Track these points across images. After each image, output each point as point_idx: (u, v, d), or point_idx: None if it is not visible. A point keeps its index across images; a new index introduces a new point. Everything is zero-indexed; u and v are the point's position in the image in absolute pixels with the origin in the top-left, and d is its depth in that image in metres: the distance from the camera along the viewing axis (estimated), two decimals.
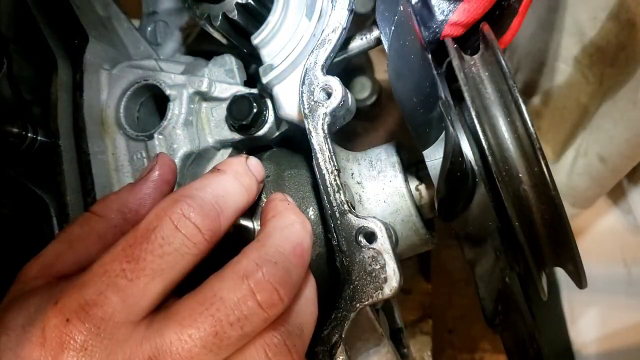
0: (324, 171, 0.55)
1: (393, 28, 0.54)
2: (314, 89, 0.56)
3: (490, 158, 0.50)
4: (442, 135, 0.56)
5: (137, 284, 0.43)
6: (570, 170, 1.05)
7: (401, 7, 0.54)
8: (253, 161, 0.56)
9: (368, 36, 0.63)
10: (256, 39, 0.64)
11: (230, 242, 0.49)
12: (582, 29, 0.90)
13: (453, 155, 0.50)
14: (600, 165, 0.97)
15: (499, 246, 0.58)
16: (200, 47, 0.79)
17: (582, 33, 0.90)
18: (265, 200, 0.59)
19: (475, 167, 0.53)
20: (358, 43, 0.63)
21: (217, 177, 0.51)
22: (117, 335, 0.43)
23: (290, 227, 0.50)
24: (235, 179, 0.52)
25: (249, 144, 0.68)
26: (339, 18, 0.57)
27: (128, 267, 0.44)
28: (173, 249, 0.44)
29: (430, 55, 0.55)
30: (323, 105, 0.56)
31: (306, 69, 0.57)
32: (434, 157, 0.56)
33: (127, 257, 0.44)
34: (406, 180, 0.63)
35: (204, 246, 0.46)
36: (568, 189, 1.07)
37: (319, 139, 0.55)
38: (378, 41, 0.62)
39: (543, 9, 0.97)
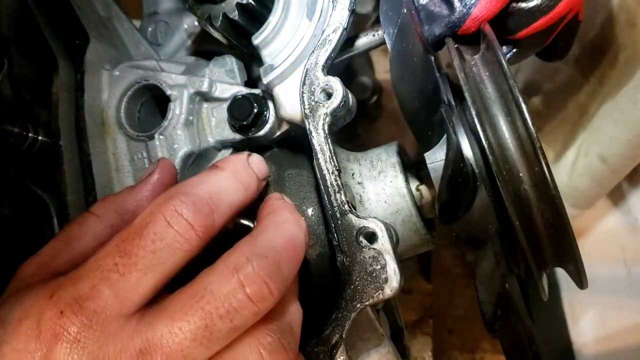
0: (325, 171, 0.55)
1: (396, 31, 0.54)
2: (314, 89, 0.56)
3: (490, 158, 0.50)
4: (444, 138, 0.56)
5: (129, 279, 0.44)
6: (570, 170, 1.05)
7: (404, 10, 0.54)
8: (255, 158, 0.56)
9: (380, 32, 0.63)
10: (257, 40, 0.64)
11: (231, 241, 0.49)
12: (582, 29, 0.90)
13: (455, 162, 0.50)
14: (601, 166, 0.97)
15: (499, 250, 0.58)
16: (201, 48, 0.79)
17: (582, 33, 0.90)
18: None
19: (477, 170, 0.53)
20: (369, 39, 0.64)
21: (214, 174, 0.51)
22: (109, 328, 0.44)
23: (283, 224, 0.50)
24: (233, 176, 0.52)
25: (249, 144, 0.68)
26: (340, 18, 0.57)
27: (120, 261, 0.45)
28: (165, 245, 0.45)
29: (433, 58, 0.55)
30: (324, 106, 0.56)
31: (307, 69, 0.57)
32: (435, 160, 0.56)
33: (120, 252, 0.45)
34: (407, 181, 0.63)
35: (196, 242, 0.46)
36: (569, 189, 1.07)
37: (319, 139, 0.56)
38: None
39: None
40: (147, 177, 0.56)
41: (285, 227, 0.50)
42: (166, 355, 0.42)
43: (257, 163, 0.55)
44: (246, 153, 0.56)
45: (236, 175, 0.52)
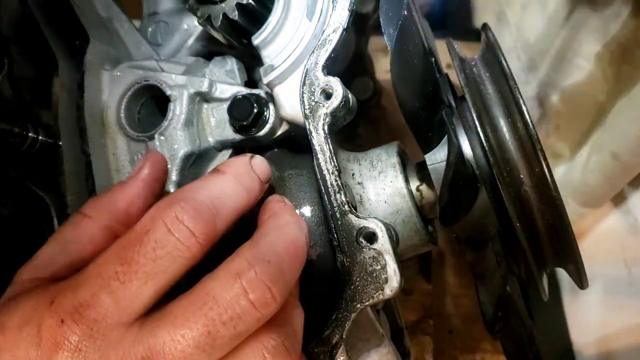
0: (325, 171, 0.55)
1: (397, 31, 0.54)
2: (314, 89, 0.56)
3: (491, 159, 0.50)
4: (444, 138, 0.56)
5: (129, 287, 0.44)
6: (583, 167, 1.05)
7: (405, 11, 0.54)
8: (258, 160, 0.55)
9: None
10: (257, 40, 0.64)
11: (232, 245, 0.49)
12: (605, 25, 0.89)
13: (456, 164, 0.50)
14: (613, 162, 0.97)
15: (499, 251, 0.58)
16: (201, 48, 0.79)
17: (605, 29, 0.90)
18: None
19: (477, 171, 0.53)
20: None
21: (215, 178, 0.51)
22: (110, 336, 0.43)
23: (284, 227, 0.50)
24: (235, 180, 0.51)
25: (250, 145, 0.68)
26: (340, 18, 0.57)
27: (121, 269, 0.44)
28: (166, 253, 0.44)
29: (433, 59, 0.55)
30: (324, 106, 0.56)
31: (307, 69, 0.57)
32: (435, 160, 0.56)
33: (120, 259, 0.44)
34: (407, 181, 0.63)
35: (197, 249, 0.45)
36: (580, 186, 1.06)
37: (319, 140, 0.55)
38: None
39: (559, 7, 0.97)
40: (137, 173, 0.55)
41: (286, 230, 0.49)
42: None
43: (259, 165, 0.55)
44: (249, 155, 0.55)
45: (238, 179, 0.51)
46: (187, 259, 0.45)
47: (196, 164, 0.67)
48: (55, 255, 0.51)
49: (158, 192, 0.57)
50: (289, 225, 0.50)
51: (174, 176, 0.63)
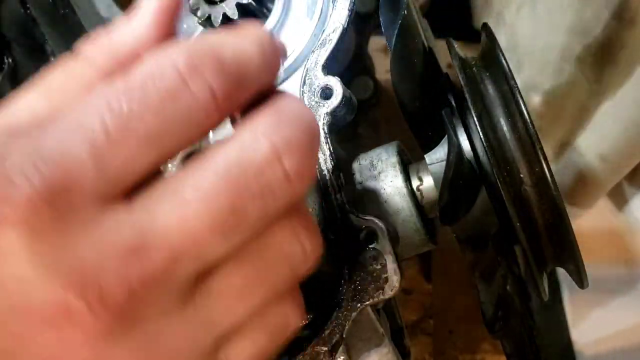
0: (325, 171, 0.55)
1: (397, 31, 0.54)
2: (314, 89, 0.57)
3: (491, 159, 0.50)
4: (444, 138, 0.56)
5: (121, 146, 0.30)
6: (571, 169, 1.05)
7: (405, 11, 0.54)
8: (278, 38, 0.43)
9: None
10: None
11: None
12: (587, 28, 0.90)
13: (456, 164, 0.50)
14: (601, 164, 0.97)
15: (499, 250, 0.58)
16: None
17: (586, 32, 0.90)
18: None
19: (477, 171, 0.53)
20: None
21: (238, 38, 0.37)
22: (82, 214, 0.29)
23: (301, 102, 0.38)
24: (260, 48, 0.37)
25: None
26: (340, 18, 0.58)
27: (112, 121, 0.30)
28: (175, 109, 0.31)
29: (434, 59, 0.55)
30: (324, 106, 0.56)
31: (307, 69, 0.57)
32: (435, 160, 0.57)
33: (111, 108, 0.30)
34: (407, 180, 0.63)
35: (213, 112, 0.33)
36: (569, 187, 1.07)
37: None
38: None
39: (545, 9, 0.98)
40: (145, 4, 0.38)
41: (304, 106, 0.38)
42: (170, 252, 0.30)
43: (280, 42, 0.41)
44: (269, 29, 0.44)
45: (263, 49, 0.37)
46: (200, 123, 0.33)
47: None
48: (36, 106, 0.35)
49: (174, 31, 0.41)
50: (305, 106, 0.39)
51: None
